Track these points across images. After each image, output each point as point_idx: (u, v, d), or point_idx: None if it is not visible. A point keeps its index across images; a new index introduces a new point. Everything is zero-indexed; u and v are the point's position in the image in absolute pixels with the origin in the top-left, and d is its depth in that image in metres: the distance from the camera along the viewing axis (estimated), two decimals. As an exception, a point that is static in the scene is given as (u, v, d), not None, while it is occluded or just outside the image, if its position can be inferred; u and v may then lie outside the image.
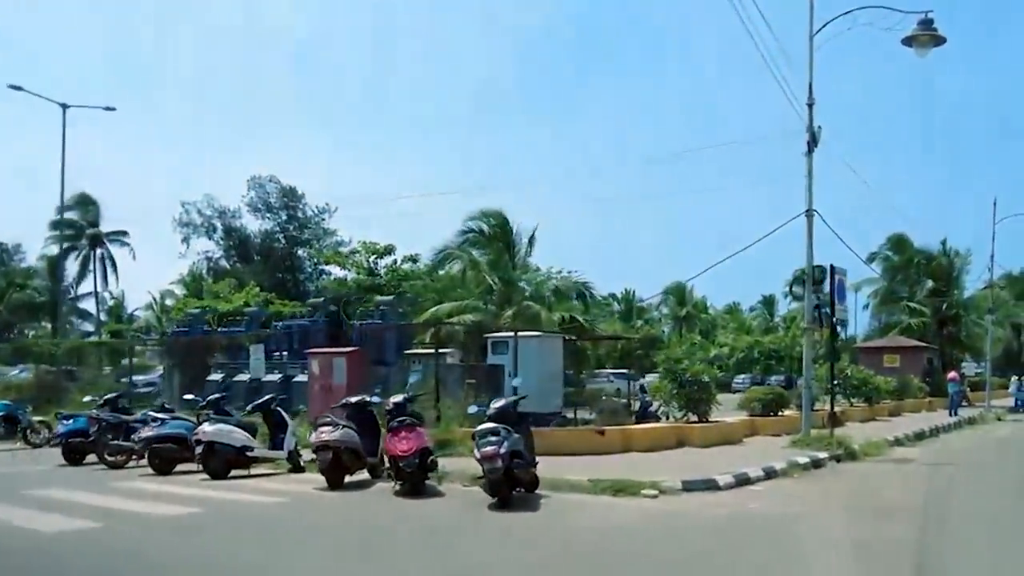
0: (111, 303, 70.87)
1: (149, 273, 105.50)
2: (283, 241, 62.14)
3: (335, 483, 10.63)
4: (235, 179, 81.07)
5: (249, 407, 12.97)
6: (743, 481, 11.36)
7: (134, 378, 24.00)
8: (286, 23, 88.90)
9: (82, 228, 63.73)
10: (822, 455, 14.64)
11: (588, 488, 10.41)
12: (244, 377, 19.89)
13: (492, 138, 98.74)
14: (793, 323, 75.47)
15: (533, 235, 34.11)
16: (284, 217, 63.59)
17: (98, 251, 65.11)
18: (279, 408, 12.74)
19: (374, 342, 19.54)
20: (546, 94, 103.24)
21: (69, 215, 63.14)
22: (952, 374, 31.34)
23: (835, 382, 25.37)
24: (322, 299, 26.57)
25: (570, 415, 19.14)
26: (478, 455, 9.10)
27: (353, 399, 11.69)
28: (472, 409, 10.40)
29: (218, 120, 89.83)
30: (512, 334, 21.43)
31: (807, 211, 16.44)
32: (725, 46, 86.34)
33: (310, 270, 62.61)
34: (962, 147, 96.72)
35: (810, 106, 16.31)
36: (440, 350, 18.02)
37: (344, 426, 10.78)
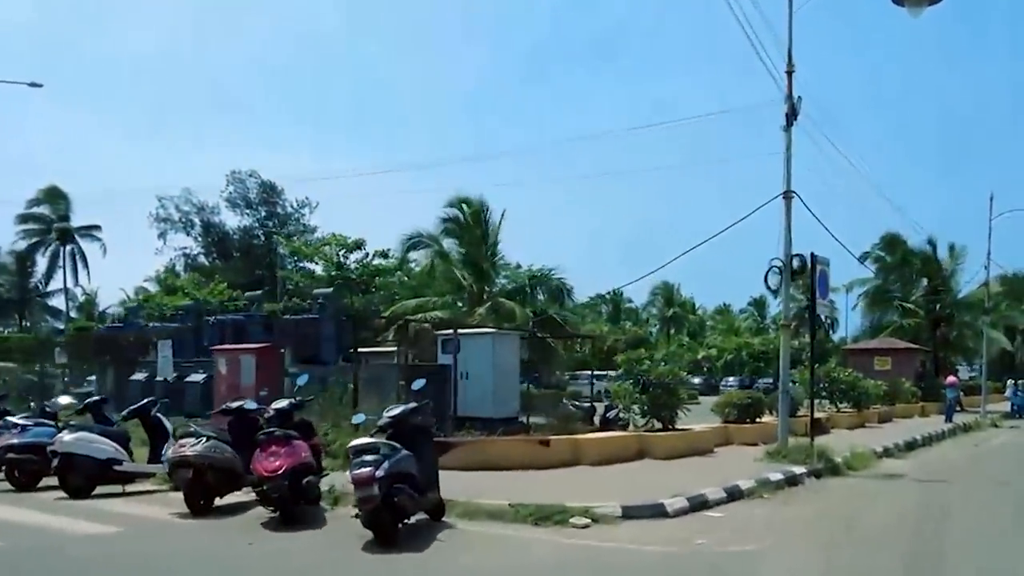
0: (82, 299, 68.69)
1: (128, 269, 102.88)
2: (262, 237, 60.38)
3: (198, 507, 8.72)
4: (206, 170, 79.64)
5: (124, 412, 11.04)
6: (699, 505, 9.49)
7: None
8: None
9: (51, 222, 61.48)
10: (799, 470, 12.80)
11: (507, 515, 8.53)
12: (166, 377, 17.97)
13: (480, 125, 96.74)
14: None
15: (502, 219, 32.47)
16: (264, 213, 62.00)
17: (68, 246, 62.78)
18: (159, 414, 10.81)
19: (307, 338, 17.64)
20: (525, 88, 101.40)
21: (38, 209, 61.40)
22: (950, 378, 29.56)
23: (818, 385, 23.78)
24: (259, 292, 24.61)
25: (529, 420, 17.33)
26: (349, 478, 7.23)
27: (232, 404, 9.77)
28: (358, 418, 8.46)
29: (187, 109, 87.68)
30: (467, 331, 19.65)
31: (785, 192, 14.61)
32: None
33: (290, 266, 60.91)
34: (956, 140, 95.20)
35: (789, 74, 14.49)
36: (381, 349, 16.18)
37: (213, 438, 8.88)
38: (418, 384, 8.55)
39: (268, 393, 10.62)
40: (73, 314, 64.47)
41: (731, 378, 56.86)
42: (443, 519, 8.27)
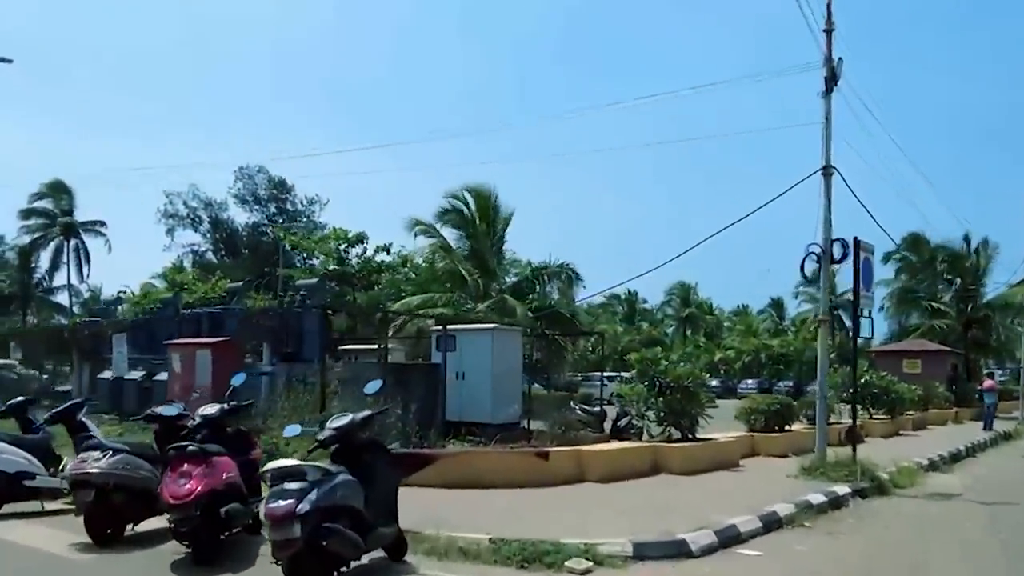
0: (87, 295, 67.55)
1: (135, 266, 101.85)
2: (270, 234, 59.07)
3: (102, 536, 6.98)
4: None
5: (46, 416, 9.32)
6: (729, 540, 7.64)
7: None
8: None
9: (55, 216, 60.34)
10: (841, 489, 10.96)
11: (487, 554, 6.73)
12: (136, 375, 16.32)
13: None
14: (803, 325, 71.83)
15: (511, 217, 30.68)
16: (273, 209, 60.73)
17: (71, 241, 61.64)
18: (84, 419, 9.08)
19: (287, 333, 15.91)
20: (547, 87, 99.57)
21: (42, 203, 60.41)
22: (988, 382, 27.40)
23: (848, 390, 21.81)
24: (240, 283, 22.90)
25: (530, 426, 15.53)
26: (263, 514, 5.48)
27: (157, 409, 8.03)
28: (291, 431, 6.63)
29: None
30: (464, 327, 17.87)
31: (824, 167, 12.75)
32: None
33: (299, 263, 59.58)
34: (991, 134, 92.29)
35: (828, 33, 12.64)
36: (369, 346, 14.39)
37: (124, 451, 7.14)
38: (372, 387, 6.74)
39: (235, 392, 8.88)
40: (76, 310, 63.30)
41: (750, 380, 54.83)
42: (404, 559, 6.49)
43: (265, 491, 7.49)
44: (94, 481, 6.85)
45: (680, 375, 12.93)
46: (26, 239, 60.27)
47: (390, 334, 29.27)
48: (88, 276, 63.66)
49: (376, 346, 20.88)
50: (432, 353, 16.81)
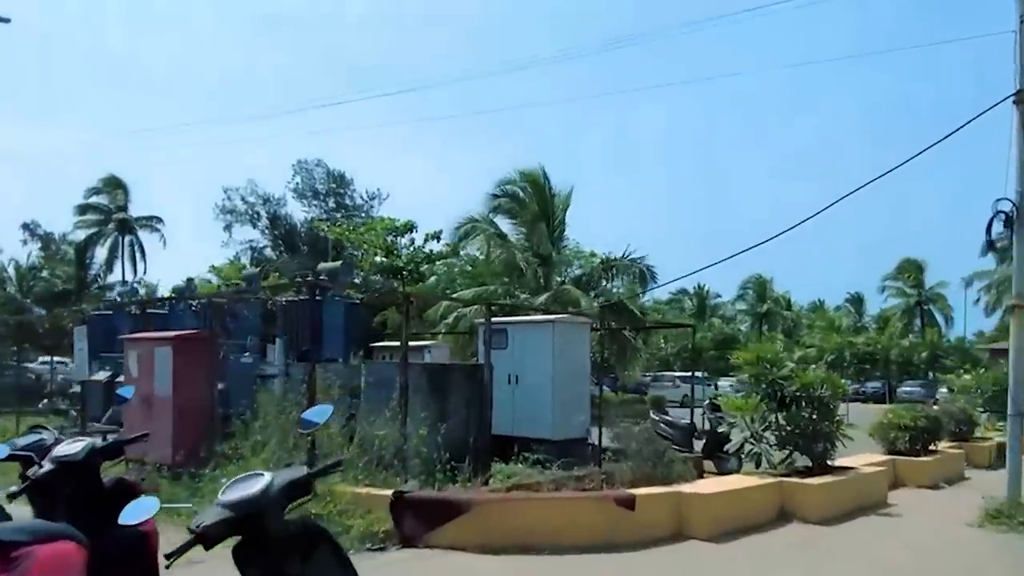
0: (142, 292, 66.83)
1: (194, 263, 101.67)
2: (325, 230, 57.35)
3: None
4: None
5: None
6: None
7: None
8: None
9: (110, 212, 59.66)
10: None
11: None
12: (103, 375, 13.57)
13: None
14: (888, 323, 66.49)
15: (569, 197, 27.46)
16: (332, 204, 58.86)
17: (127, 237, 60.90)
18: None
19: (307, 327, 12.94)
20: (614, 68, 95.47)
21: (96, 199, 59.90)
22: None
23: (983, 395, 17.92)
24: (256, 270, 19.99)
25: (601, 446, 12.19)
26: None
27: (20, 440, 4.99)
28: (127, 517, 3.45)
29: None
30: (519, 319, 14.68)
31: (1017, 93, 9.08)
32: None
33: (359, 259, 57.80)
34: None
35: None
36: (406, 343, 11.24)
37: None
38: (317, 415, 3.47)
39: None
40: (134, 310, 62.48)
41: (909, 382, 50.82)
42: None
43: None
44: None
45: (810, 382, 9.41)
46: (81, 234, 59.77)
47: (441, 332, 26.42)
48: (145, 272, 62.88)
49: (421, 344, 17.88)
50: (479, 351, 13.65)
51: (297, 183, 56.73)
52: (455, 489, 7.74)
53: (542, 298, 24.16)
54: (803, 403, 9.35)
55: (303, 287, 12.73)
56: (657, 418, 13.67)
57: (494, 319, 14.25)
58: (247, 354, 12.44)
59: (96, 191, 59.16)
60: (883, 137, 77.83)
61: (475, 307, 22.85)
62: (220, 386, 10.32)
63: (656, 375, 42.01)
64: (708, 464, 12.78)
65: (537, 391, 12.92)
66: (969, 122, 8.93)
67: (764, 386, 9.53)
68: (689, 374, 42.26)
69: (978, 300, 59.52)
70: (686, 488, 7.93)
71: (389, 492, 6.97)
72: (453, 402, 10.86)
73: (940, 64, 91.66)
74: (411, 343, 17.29)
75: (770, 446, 9.59)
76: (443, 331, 25.99)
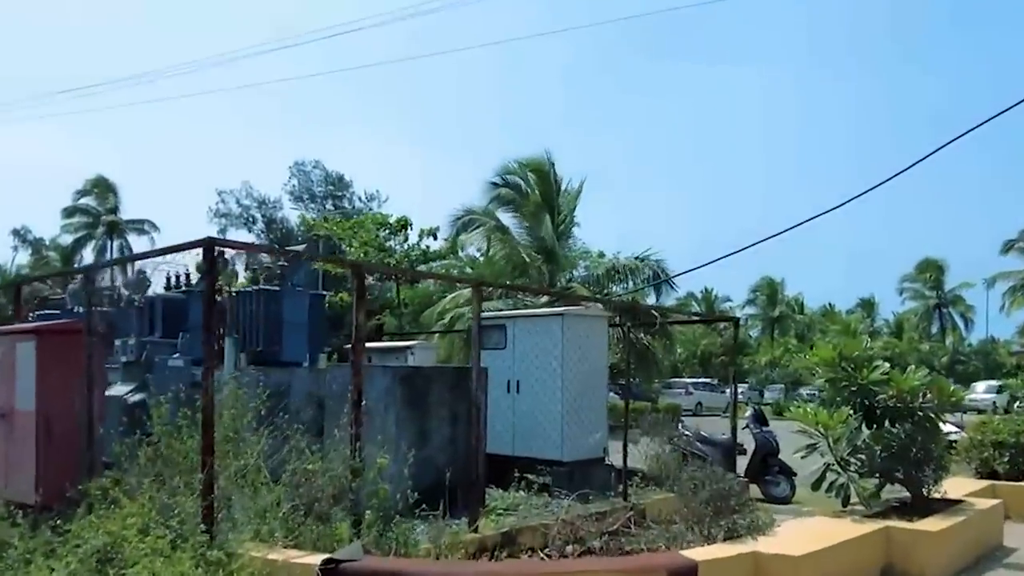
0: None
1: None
2: (321, 233, 55.22)
3: None
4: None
5: None
6: None
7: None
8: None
9: (99, 215, 57.52)
10: None
11: None
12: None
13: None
14: (903, 327, 63.92)
15: (580, 190, 25.12)
16: (330, 206, 56.77)
17: (116, 241, 58.78)
18: None
19: (262, 324, 10.56)
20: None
21: (85, 201, 57.83)
22: None
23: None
24: None
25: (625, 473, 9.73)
26: None
27: None
28: None
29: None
30: (520, 312, 12.29)
31: None
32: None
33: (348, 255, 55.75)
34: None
35: None
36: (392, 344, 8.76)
37: None
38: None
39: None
40: (120, 313, 60.25)
41: (979, 386, 47.35)
42: None
43: None
44: None
45: (912, 388, 6.94)
46: (68, 238, 57.63)
47: (437, 332, 24.11)
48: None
49: (403, 344, 15.47)
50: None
51: (294, 185, 54.80)
52: (421, 551, 5.28)
53: (545, 297, 21.73)
54: (904, 419, 6.86)
55: (256, 271, 10.37)
56: (690, 434, 11.20)
57: (490, 313, 11.87)
58: (176, 355, 10.01)
59: (84, 193, 57.07)
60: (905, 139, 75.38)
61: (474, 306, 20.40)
62: (134, 395, 7.93)
63: (668, 382, 39.42)
64: (753, 488, 10.43)
65: (542, 401, 10.54)
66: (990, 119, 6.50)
67: (848, 394, 7.05)
68: (702, 381, 39.56)
69: (1003, 306, 56.10)
70: (764, 546, 5.43)
71: (318, 560, 4.51)
72: (434, 418, 8.43)
73: (952, 60, 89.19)
74: (394, 343, 14.94)
75: (858, 473, 7.10)
76: (440, 331, 23.76)
